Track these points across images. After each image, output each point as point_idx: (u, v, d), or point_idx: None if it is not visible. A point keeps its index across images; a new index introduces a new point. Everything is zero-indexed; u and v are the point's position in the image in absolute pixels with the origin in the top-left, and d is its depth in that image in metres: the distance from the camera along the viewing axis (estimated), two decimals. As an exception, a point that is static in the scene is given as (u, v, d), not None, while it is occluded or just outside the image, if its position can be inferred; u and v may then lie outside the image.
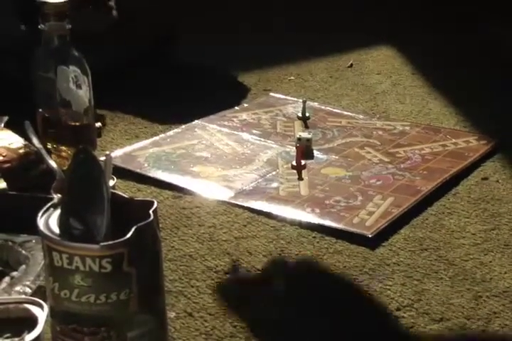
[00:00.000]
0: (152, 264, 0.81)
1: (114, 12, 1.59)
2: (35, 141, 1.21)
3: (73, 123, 1.32)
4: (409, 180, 1.30)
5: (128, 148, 1.40)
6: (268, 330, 0.96)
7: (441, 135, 1.47)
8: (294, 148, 1.38)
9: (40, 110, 1.31)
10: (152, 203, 0.81)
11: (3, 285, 0.97)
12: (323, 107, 1.59)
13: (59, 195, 0.83)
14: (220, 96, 1.64)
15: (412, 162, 1.37)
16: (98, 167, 0.80)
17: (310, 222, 1.18)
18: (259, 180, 1.30)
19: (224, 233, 1.16)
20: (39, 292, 0.94)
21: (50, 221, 0.80)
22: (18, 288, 0.95)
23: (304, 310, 0.99)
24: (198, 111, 1.55)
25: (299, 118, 1.54)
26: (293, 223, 1.18)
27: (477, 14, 2.10)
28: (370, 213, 1.19)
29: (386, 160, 1.37)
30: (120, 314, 0.79)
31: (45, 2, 1.26)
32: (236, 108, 1.60)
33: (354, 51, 1.92)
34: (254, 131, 1.49)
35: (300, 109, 1.55)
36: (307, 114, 1.54)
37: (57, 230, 0.79)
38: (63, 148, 1.31)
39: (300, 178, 1.31)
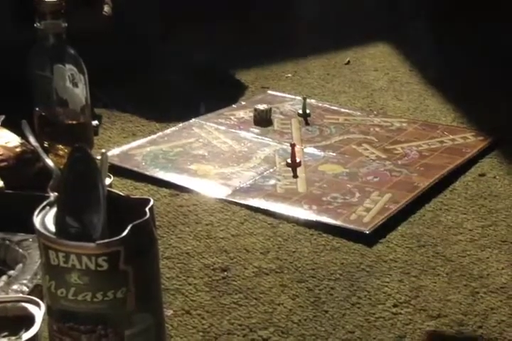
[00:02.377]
0: (149, 262, 0.81)
1: (110, 10, 1.59)
2: (31, 139, 1.21)
3: (70, 122, 1.32)
4: (407, 176, 1.30)
5: (125, 147, 1.40)
6: (266, 329, 0.96)
7: (438, 131, 1.47)
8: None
9: (37, 108, 1.31)
10: (148, 201, 0.81)
11: (1, 283, 0.97)
12: (320, 104, 1.59)
13: (55, 194, 0.82)
14: (218, 94, 1.64)
15: (409, 158, 1.37)
16: (94, 165, 0.80)
17: (307, 219, 1.18)
18: (257, 178, 1.30)
19: (221, 230, 1.16)
20: (36, 290, 0.94)
21: (46, 219, 0.80)
22: (15, 287, 0.95)
23: (301, 308, 0.99)
24: (195, 110, 1.55)
25: (299, 115, 1.54)
26: (290, 220, 1.18)
27: (476, 13, 2.10)
28: (368, 210, 1.20)
29: (383, 156, 1.37)
30: (117, 312, 0.79)
31: (41, 1, 1.25)
32: (233, 106, 1.59)
33: (351, 48, 1.92)
34: (252, 129, 1.49)
35: (297, 107, 1.55)
36: (308, 111, 1.54)
37: (53, 228, 0.79)
38: (60, 146, 1.30)
39: (295, 176, 1.31)
